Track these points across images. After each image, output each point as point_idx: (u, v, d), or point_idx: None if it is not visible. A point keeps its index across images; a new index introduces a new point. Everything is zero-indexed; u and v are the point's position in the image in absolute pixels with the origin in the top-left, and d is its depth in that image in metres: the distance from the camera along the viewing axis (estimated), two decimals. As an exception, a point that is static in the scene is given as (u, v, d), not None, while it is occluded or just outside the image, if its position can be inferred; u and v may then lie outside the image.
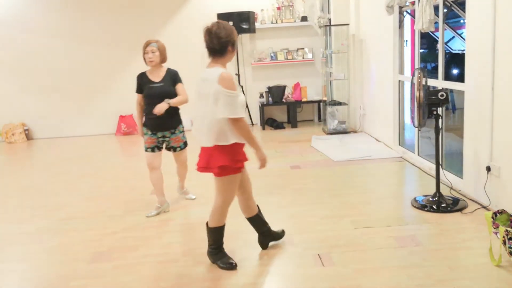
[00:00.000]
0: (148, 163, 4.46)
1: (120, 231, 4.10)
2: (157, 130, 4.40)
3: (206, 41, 3.10)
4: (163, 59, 4.42)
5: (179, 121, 4.52)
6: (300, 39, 9.14)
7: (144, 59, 4.35)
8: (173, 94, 4.39)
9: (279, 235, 3.69)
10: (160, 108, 4.24)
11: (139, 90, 4.47)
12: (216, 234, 3.34)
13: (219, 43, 3.07)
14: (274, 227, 3.98)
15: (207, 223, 3.35)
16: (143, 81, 4.43)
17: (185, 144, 4.61)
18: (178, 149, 4.55)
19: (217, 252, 3.37)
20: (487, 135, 4.07)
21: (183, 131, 4.57)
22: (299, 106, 9.09)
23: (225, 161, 3.08)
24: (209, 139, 3.09)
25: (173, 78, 4.44)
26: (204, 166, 3.18)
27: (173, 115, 4.42)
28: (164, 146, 4.54)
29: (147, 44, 4.36)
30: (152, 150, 4.43)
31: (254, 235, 3.82)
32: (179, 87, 4.44)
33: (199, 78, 3.19)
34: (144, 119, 4.48)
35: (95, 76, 9.08)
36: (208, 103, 3.07)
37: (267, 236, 3.60)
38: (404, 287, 2.90)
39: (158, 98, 4.31)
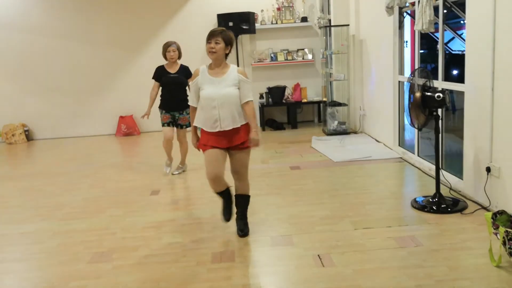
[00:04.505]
0: (164, 134, 5.76)
1: (120, 231, 4.10)
2: (171, 110, 5.72)
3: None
4: (179, 56, 5.76)
5: (187, 105, 5.43)
6: (300, 40, 9.15)
7: (165, 56, 5.69)
8: (185, 84, 5.59)
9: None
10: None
11: (158, 79, 5.75)
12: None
13: None
14: (274, 227, 3.99)
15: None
16: (161, 72, 5.74)
17: (189, 124, 5.61)
18: (184, 126, 5.80)
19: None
20: (487, 135, 4.07)
21: (189, 113, 5.38)
22: (299, 107, 9.09)
23: None
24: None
25: (185, 71, 5.75)
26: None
27: (182, 99, 5.62)
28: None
29: (168, 45, 5.68)
30: (168, 124, 5.76)
31: (254, 236, 3.83)
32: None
33: None
34: (160, 102, 5.77)
35: (95, 76, 9.09)
36: None
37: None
38: (404, 287, 2.91)
39: (173, 85, 5.66)
